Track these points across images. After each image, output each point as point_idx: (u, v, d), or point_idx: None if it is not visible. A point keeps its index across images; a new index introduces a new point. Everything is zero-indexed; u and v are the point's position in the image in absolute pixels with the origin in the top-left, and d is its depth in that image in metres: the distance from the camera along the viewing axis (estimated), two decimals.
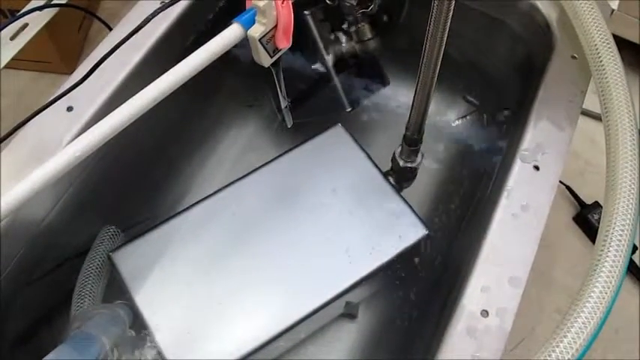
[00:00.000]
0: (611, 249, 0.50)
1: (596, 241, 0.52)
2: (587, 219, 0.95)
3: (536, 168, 0.58)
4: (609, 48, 0.61)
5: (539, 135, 0.60)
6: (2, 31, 0.68)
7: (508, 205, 0.56)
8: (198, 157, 0.79)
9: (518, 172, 0.58)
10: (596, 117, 1.00)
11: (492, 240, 0.54)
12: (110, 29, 0.67)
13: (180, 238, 0.66)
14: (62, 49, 1.02)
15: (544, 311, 0.90)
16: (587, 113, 0.98)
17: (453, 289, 0.56)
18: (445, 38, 0.51)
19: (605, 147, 0.59)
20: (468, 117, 0.80)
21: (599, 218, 0.92)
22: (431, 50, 0.53)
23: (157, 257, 0.65)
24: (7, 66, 0.68)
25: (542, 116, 0.61)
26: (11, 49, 0.69)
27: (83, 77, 0.51)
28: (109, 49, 0.51)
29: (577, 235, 0.97)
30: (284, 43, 0.52)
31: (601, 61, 0.61)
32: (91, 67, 0.52)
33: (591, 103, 0.65)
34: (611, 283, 0.49)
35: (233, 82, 0.83)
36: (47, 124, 0.58)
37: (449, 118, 0.81)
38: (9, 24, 0.69)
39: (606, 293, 0.49)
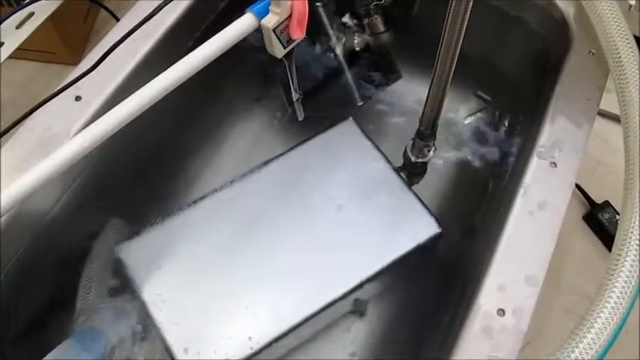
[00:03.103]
0: (629, 254, 0.49)
1: (614, 244, 0.51)
2: (597, 218, 0.93)
3: (554, 165, 0.57)
4: (628, 43, 0.60)
5: (556, 131, 0.59)
6: (8, 20, 0.67)
7: (525, 202, 0.55)
8: (206, 150, 0.78)
9: (535, 169, 0.57)
10: (608, 116, 0.99)
11: (509, 238, 0.53)
12: (117, 19, 0.66)
13: (187, 232, 0.65)
14: (68, 39, 1.01)
15: (552, 311, 0.89)
16: (599, 112, 0.97)
17: (467, 287, 0.55)
18: (463, 34, 0.50)
19: (624, 146, 0.57)
20: (479, 113, 0.79)
21: (610, 218, 0.92)
22: (448, 46, 0.52)
23: (164, 252, 0.64)
24: (11, 56, 0.67)
25: (559, 113, 0.60)
26: (17, 38, 0.68)
27: (93, 65, 0.49)
28: (118, 38, 0.50)
29: (586, 235, 0.95)
30: (298, 33, 0.51)
31: (619, 57, 0.59)
32: (100, 55, 0.51)
33: (603, 101, 0.64)
34: (629, 287, 0.48)
35: (241, 75, 0.82)
36: (55, 113, 0.57)
37: (461, 113, 0.80)
38: (15, 12, 0.68)
39: (624, 298, 0.47)
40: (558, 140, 0.58)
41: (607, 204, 0.94)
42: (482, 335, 0.49)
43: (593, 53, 0.64)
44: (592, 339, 0.45)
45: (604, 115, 0.99)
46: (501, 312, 0.50)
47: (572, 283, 0.91)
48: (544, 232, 0.54)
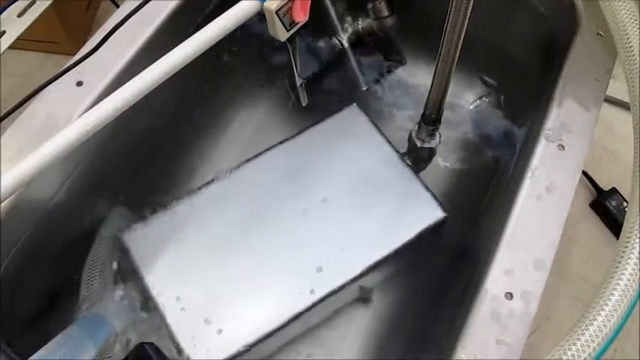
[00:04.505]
0: (637, 242, 0.48)
1: (622, 232, 0.50)
2: (604, 206, 0.92)
3: (562, 148, 0.56)
4: (637, 25, 0.59)
5: (563, 114, 0.58)
6: (9, 8, 0.67)
7: (532, 185, 0.54)
8: (210, 136, 0.78)
9: (543, 152, 0.56)
10: (614, 102, 0.98)
11: (516, 221, 0.53)
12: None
13: (192, 219, 0.65)
14: (70, 29, 1.00)
15: (559, 299, 0.89)
16: (605, 99, 0.96)
17: (474, 272, 0.54)
18: (468, 16, 0.50)
19: (633, 130, 0.56)
20: (485, 98, 0.78)
21: (617, 205, 0.91)
22: (453, 28, 0.52)
23: (169, 238, 0.63)
24: (14, 46, 0.66)
25: (567, 95, 0.59)
26: (18, 27, 0.67)
27: (94, 48, 0.49)
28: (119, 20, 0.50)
29: (593, 222, 0.95)
30: (301, 16, 0.51)
31: (628, 38, 0.58)
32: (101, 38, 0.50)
33: (608, 87, 0.63)
34: (636, 276, 0.47)
35: (244, 60, 0.81)
36: (57, 99, 0.57)
37: (466, 98, 0.79)
38: (16, 0, 0.67)
39: (631, 286, 0.47)
40: (566, 123, 0.58)
41: (614, 191, 0.93)
42: (490, 319, 0.48)
43: (600, 35, 0.63)
44: (597, 328, 0.44)
45: (610, 101, 0.98)
46: (509, 296, 0.49)
47: (578, 271, 0.90)
48: (552, 215, 0.53)
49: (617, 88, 0.63)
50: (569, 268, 0.90)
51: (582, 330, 0.44)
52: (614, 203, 0.92)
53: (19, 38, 0.66)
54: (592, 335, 0.44)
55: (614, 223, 0.91)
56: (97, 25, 1.10)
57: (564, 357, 0.43)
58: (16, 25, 0.67)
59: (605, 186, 0.95)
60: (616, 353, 0.80)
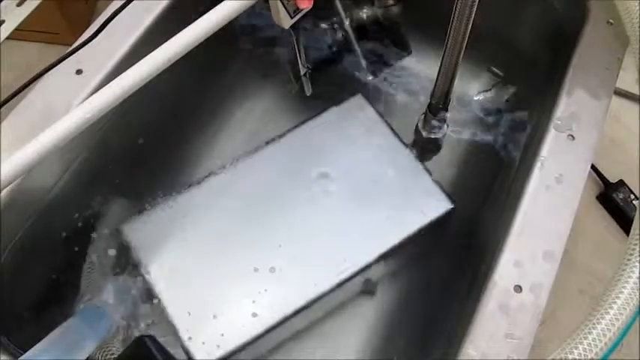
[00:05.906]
0: None
1: (633, 226, 0.49)
2: (611, 198, 0.92)
3: (571, 137, 0.55)
4: None
5: (573, 103, 0.57)
6: None
7: (542, 176, 0.54)
8: (213, 127, 0.77)
9: (552, 142, 0.55)
10: (621, 93, 0.97)
11: (525, 212, 0.52)
12: None
13: (193, 210, 0.64)
14: (70, 19, 0.99)
15: (565, 292, 0.88)
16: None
17: (482, 264, 0.54)
18: (476, 4, 0.49)
19: None
20: (492, 89, 0.77)
21: (625, 197, 0.90)
22: (460, 17, 0.51)
23: (169, 230, 0.63)
24: (14, 37, 0.66)
25: (577, 84, 0.58)
26: (18, 16, 0.66)
27: (93, 34, 0.48)
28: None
29: (600, 215, 0.94)
30: (305, 3, 0.50)
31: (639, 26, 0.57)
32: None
33: (618, 79, 0.62)
34: None
35: (248, 50, 0.80)
36: (55, 87, 0.56)
37: (473, 89, 0.78)
38: None
39: None
40: (576, 112, 0.57)
41: (621, 183, 0.92)
42: (498, 312, 0.47)
43: (611, 23, 0.62)
44: (609, 322, 0.43)
45: (617, 92, 0.97)
46: (518, 288, 0.48)
47: (585, 264, 0.89)
48: (562, 206, 0.52)
49: (624, 79, 0.61)
50: (575, 261, 0.89)
51: (593, 325, 0.43)
52: (621, 196, 0.91)
53: (18, 28, 0.65)
54: (603, 329, 0.43)
55: (621, 216, 0.90)
56: (98, 15, 1.09)
57: (575, 351, 0.42)
58: (15, 14, 0.66)
59: (613, 178, 0.94)
60: (623, 348, 0.79)
